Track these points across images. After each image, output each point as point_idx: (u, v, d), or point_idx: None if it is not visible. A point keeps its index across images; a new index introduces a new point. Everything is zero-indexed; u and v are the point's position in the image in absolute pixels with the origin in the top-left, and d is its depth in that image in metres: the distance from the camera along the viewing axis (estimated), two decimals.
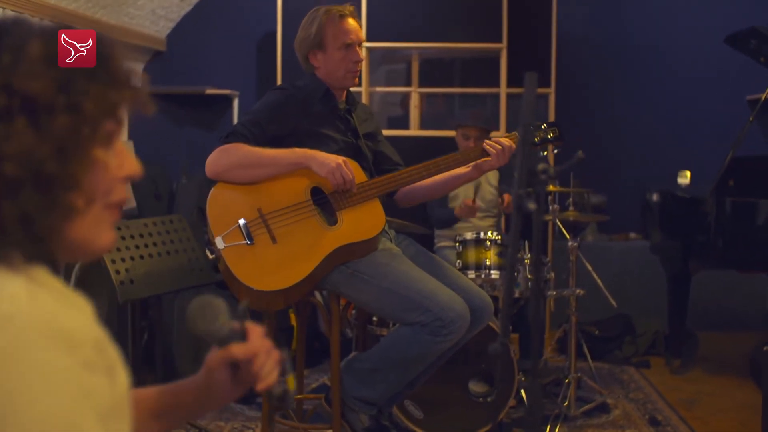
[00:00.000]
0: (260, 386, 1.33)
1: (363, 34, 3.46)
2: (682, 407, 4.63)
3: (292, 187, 3.22)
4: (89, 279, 4.10)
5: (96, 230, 1.12)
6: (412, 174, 3.40)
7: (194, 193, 5.56)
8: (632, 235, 6.39)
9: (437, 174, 3.44)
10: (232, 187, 3.19)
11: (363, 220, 3.24)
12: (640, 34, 6.47)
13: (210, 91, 6.12)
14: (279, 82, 5.69)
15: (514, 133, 3.47)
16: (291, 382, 1.39)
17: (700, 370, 5.37)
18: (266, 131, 3.23)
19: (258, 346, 1.33)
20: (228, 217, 3.12)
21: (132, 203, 5.41)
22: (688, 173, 5.71)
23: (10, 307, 0.93)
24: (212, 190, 3.19)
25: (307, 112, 3.33)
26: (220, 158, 3.17)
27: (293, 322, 3.99)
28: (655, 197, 5.48)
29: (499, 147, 3.30)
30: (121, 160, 1.15)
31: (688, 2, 6.47)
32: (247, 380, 1.35)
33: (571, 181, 4.74)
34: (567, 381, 4.39)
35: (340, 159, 3.16)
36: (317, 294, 3.79)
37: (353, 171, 3.19)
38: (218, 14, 6.48)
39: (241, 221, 3.11)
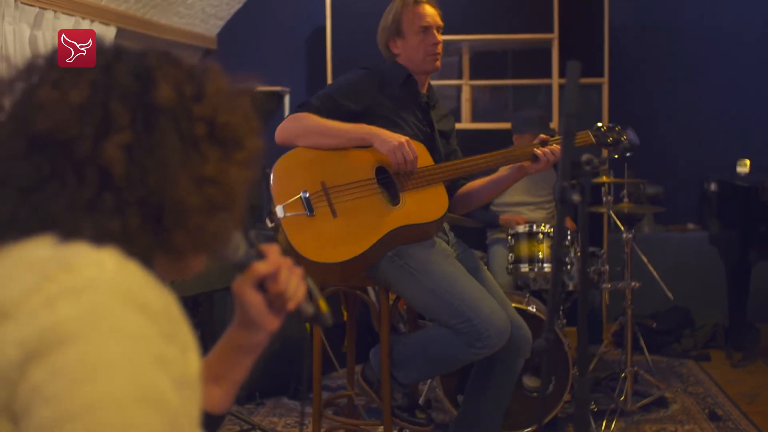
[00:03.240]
0: (291, 304, 1.34)
1: (440, 19, 3.43)
2: (744, 401, 4.53)
3: (358, 163, 3.22)
4: None
5: (196, 269, 1.22)
6: (477, 162, 3.36)
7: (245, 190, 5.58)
8: (690, 225, 6.26)
9: (499, 166, 3.44)
10: (298, 159, 3.21)
11: (426, 203, 3.23)
12: (695, 20, 6.34)
13: (260, 88, 6.13)
14: (329, 78, 5.68)
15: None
16: (323, 305, 1.40)
17: (761, 362, 5.25)
18: (339, 106, 3.25)
19: (279, 262, 1.34)
20: (291, 187, 3.14)
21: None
22: (748, 162, 5.59)
23: (96, 272, 0.96)
24: (278, 161, 3.21)
25: (385, 93, 3.34)
26: (289, 125, 3.23)
27: (345, 318, 3.99)
28: (713, 187, 5.38)
29: (549, 152, 3.26)
30: None
31: None
32: (278, 302, 1.34)
33: (625, 172, 4.66)
34: (623, 375, 4.32)
35: (404, 138, 3.15)
36: (369, 290, 3.78)
37: (416, 152, 3.16)
38: (268, 11, 6.49)
39: (303, 193, 3.13)
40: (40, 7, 4.13)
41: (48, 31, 4.23)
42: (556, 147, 3.28)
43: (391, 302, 3.32)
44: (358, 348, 3.85)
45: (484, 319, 3.05)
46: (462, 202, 3.56)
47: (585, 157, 1.44)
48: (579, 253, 4.25)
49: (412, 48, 3.38)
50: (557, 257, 1.44)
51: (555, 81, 5.78)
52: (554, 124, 5.61)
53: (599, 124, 3.31)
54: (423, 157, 3.26)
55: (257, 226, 4.00)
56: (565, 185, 1.42)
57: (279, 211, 3.09)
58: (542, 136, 3.39)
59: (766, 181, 4.96)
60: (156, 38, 5.55)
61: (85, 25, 4.55)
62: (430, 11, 3.40)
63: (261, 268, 1.31)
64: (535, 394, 4.02)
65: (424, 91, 3.46)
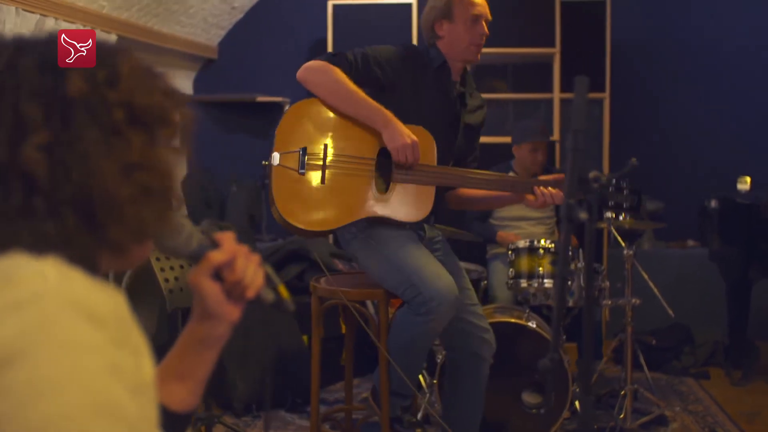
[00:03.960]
0: (250, 292, 1.30)
1: (489, 12, 3.43)
2: (744, 420, 4.49)
3: (365, 139, 3.23)
4: (139, 287, 4.10)
5: (140, 258, 1.16)
6: (473, 179, 3.38)
7: (244, 200, 5.55)
8: (690, 242, 6.23)
9: (489, 189, 3.44)
10: (311, 113, 3.22)
11: (411, 201, 3.24)
12: (697, 38, 6.33)
13: (261, 98, 6.11)
14: None
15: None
16: (284, 292, 1.36)
17: (761, 381, 5.20)
18: (370, 70, 3.23)
19: (234, 249, 1.30)
20: (294, 138, 3.18)
21: (183, 211, 5.43)
22: (748, 179, 5.56)
23: (39, 284, 0.93)
24: (293, 106, 3.23)
25: (417, 77, 3.32)
26: (317, 69, 3.19)
27: (343, 331, 3.96)
28: (713, 204, 5.35)
29: (549, 196, 3.27)
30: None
31: (745, 4, 6.30)
32: (236, 290, 1.30)
33: (625, 187, 4.62)
34: (623, 393, 4.28)
35: (412, 139, 3.14)
36: (368, 303, 3.76)
37: (419, 155, 3.17)
38: (269, 22, 6.48)
39: (303, 148, 3.16)
40: (41, 14, 4.11)
41: None
42: (556, 192, 3.26)
43: (390, 315, 3.30)
44: (356, 361, 3.82)
45: (427, 282, 3.08)
46: (455, 200, 3.59)
47: (592, 174, 1.41)
48: (581, 270, 4.24)
49: (459, 34, 3.36)
50: (562, 276, 1.41)
51: (556, 95, 5.77)
52: (554, 138, 5.59)
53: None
54: (428, 155, 3.25)
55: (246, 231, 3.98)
56: (571, 203, 1.39)
57: (275, 157, 3.13)
58: (543, 177, 3.36)
59: (766, 198, 4.94)
60: (157, 47, 5.53)
61: None
62: (482, 2, 3.40)
63: (216, 257, 1.28)
64: (534, 410, 3.98)
65: (457, 79, 3.43)
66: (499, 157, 5.17)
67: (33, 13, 4.05)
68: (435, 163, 3.28)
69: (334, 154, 3.20)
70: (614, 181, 3.02)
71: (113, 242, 1.05)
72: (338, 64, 3.19)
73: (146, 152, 1.07)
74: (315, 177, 3.17)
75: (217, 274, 1.29)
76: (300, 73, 3.21)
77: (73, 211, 1.01)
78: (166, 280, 3.60)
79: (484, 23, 3.38)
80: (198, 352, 1.35)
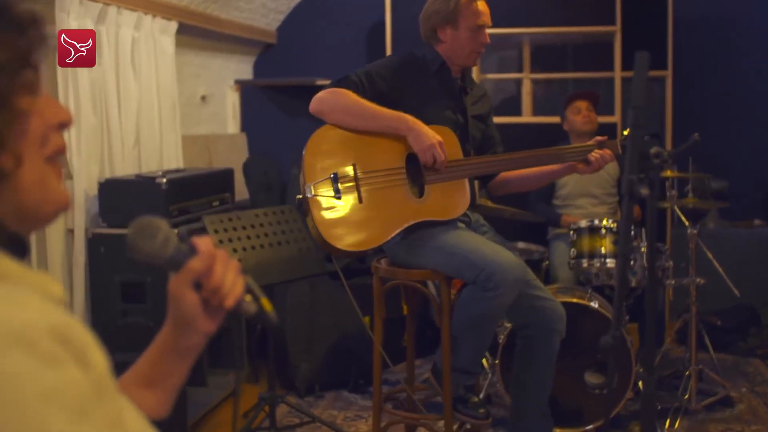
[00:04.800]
0: (228, 301, 1.22)
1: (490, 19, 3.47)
2: None
3: (390, 150, 3.27)
4: None
5: (41, 188, 1.02)
6: (505, 162, 3.45)
7: None
8: (756, 221, 6.11)
9: (531, 167, 3.49)
10: (332, 138, 3.26)
11: (448, 199, 3.29)
12: (762, 12, 6.18)
13: (320, 82, 6.13)
14: None
15: (614, 141, 3.39)
16: (267, 304, 1.27)
17: None
18: (375, 86, 3.29)
19: (212, 254, 1.22)
20: (322, 167, 3.20)
21: (244, 194, 5.49)
22: None
23: None
24: (312, 136, 3.25)
25: (420, 81, 3.38)
26: (327, 98, 3.26)
27: (405, 312, 3.98)
28: None
29: (599, 157, 3.29)
30: (49, 108, 1.05)
31: None
32: (214, 299, 1.22)
33: (690, 166, 4.57)
34: (687, 373, 4.24)
35: (437, 139, 3.20)
36: (429, 284, 3.77)
37: (446, 152, 3.22)
38: (327, 5, 6.50)
39: (333, 174, 3.19)
40: (103, 3, 4.18)
41: (111, 27, 4.29)
42: (607, 152, 3.29)
43: (452, 296, 3.31)
44: (418, 342, 3.84)
45: (488, 260, 3.11)
46: (498, 186, 3.63)
47: (654, 149, 1.40)
48: (643, 249, 4.20)
49: (462, 41, 3.41)
50: (623, 253, 1.41)
51: (617, 74, 5.69)
52: (616, 118, 5.53)
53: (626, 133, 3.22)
54: (452, 150, 3.29)
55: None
56: (632, 178, 1.38)
57: (308, 189, 3.16)
58: (597, 138, 3.40)
59: None
60: (217, 33, 5.59)
61: (147, 20, 4.60)
62: (486, 11, 3.44)
63: (196, 265, 1.21)
64: (597, 391, 3.96)
65: (457, 75, 3.49)
66: (558, 138, 5.14)
67: (96, 2, 4.12)
68: (461, 157, 3.33)
69: (364, 172, 3.23)
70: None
71: None
72: (346, 86, 3.25)
73: None
74: (351, 198, 3.20)
75: (197, 283, 1.23)
76: (312, 107, 3.27)
77: None
78: None
79: (486, 32, 3.42)
80: (171, 360, 1.29)
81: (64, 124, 1.06)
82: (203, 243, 1.23)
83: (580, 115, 5.00)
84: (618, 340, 1.44)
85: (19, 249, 1.02)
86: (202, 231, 3.67)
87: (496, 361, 4.06)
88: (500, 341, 4.05)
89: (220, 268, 1.22)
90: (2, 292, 0.92)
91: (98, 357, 0.95)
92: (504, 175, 3.58)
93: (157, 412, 1.29)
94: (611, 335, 1.42)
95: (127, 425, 1.01)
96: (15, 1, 0.99)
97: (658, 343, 4.80)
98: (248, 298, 1.26)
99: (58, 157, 1.05)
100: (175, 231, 1.23)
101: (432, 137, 3.19)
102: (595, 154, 3.29)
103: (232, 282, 1.22)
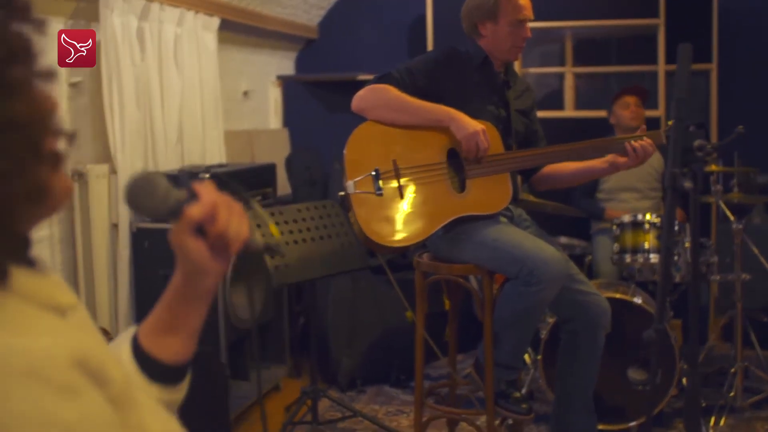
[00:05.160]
0: (235, 245, 1.21)
1: (532, 12, 3.45)
2: None
3: (431, 145, 3.29)
4: (245, 264, 4.20)
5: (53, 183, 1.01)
6: (546, 155, 3.44)
7: None
8: None
9: (574, 160, 3.46)
10: (373, 134, 3.28)
11: (490, 193, 3.29)
12: None
13: (362, 77, 6.14)
14: None
15: (657, 131, 3.35)
16: (274, 231, 1.28)
17: None
18: (417, 82, 3.30)
19: (214, 200, 1.20)
20: (363, 163, 3.22)
21: (287, 189, 5.52)
22: None
23: None
24: (353, 133, 3.27)
25: (462, 76, 3.38)
26: (368, 95, 3.29)
27: (447, 307, 3.98)
28: None
29: (639, 148, 3.24)
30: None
31: None
32: (220, 243, 1.21)
33: (735, 161, 4.51)
34: (733, 370, 4.19)
35: (480, 127, 3.21)
36: (472, 279, 3.76)
37: (490, 142, 3.23)
38: (368, 0, 6.50)
39: (374, 171, 3.20)
40: (146, 0, 4.22)
41: (154, 23, 4.33)
42: (647, 142, 3.25)
43: (495, 291, 3.30)
44: (460, 337, 3.83)
45: (530, 255, 3.10)
46: (541, 182, 3.62)
47: (697, 142, 1.39)
48: (688, 244, 4.15)
49: (503, 36, 3.39)
50: (666, 246, 1.40)
51: (661, 67, 5.62)
52: (660, 112, 5.47)
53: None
54: (494, 144, 3.29)
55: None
56: (675, 172, 1.37)
57: (350, 186, 3.18)
58: (643, 127, 3.36)
59: None
60: (259, 29, 5.62)
61: (189, 16, 4.63)
62: (528, 5, 3.42)
63: (195, 212, 1.19)
64: (640, 387, 3.93)
65: (500, 69, 3.47)
66: (602, 132, 5.10)
67: None
68: (502, 151, 3.32)
69: (406, 167, 3.24)
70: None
71: None
72: (387, 83, 3.28)
73: None
74: (393, 194, 3.21)
75: (200, 229, 1.21)
76: (354, 105, 3.30)
77: None
78: (272, 257, 3.67)
79: (527, 26, 3.40)
80: (188, 305, 1.29)
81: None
82: (204, 189, 1.21)
83: (628, 110, 4.96)
84: (661, 334, 1.42)
85: (25, 250, 1.02)
86: None
87: (539, 357, 4.04)
88: (543, 336, 4.03)
89: (224, 213, 1.20)
90: (15, 314, 0.92)
91: (116, 372, 0.97)
92: (546, 170, 3.57)
93: (182, 355, 1.30)
94: (654, 329, 1.41)
95: (153, 429, 1.04)
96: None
97: (702, 339, 4.75)
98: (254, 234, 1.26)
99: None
100: (170, 184, 1.21)
101: (475, 125, 3.20)
102: (636, 143, 3.24)
103: (236, 226, 1.22)
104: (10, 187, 0.91)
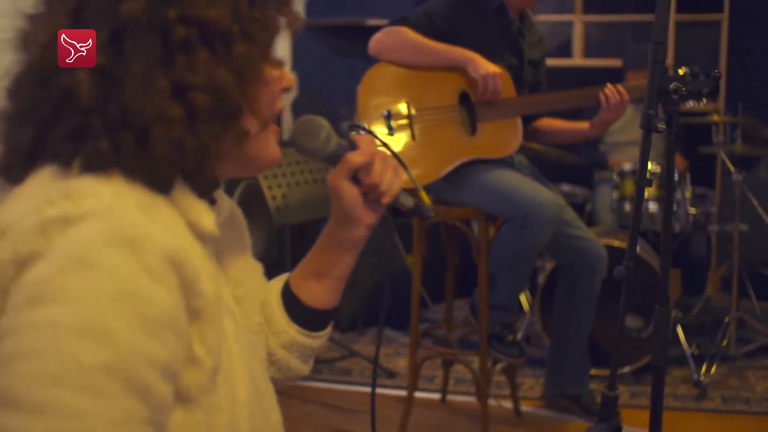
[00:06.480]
0: (386, 198, 1.28)
1: None
2: None
3: (443, 87, 3.30)
4: (247, 205, 4.25)
5: (264, 146, 1.16)
6: (555, 101, 3.45)
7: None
8: None
9: (575, 105, 3.53)
10: (385, 76, 3.31)
11: (500, 137, 3.31)
12: None
13: (372, 21, 6.13)
14: None
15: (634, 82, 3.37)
16: (424, 196, 1.36)
17: None
18: (434, 25, 3.32)
19: (372, 152, 1.27)
20: (375, 104, 3.25)
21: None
22: None
23: (92, 204, 0.96)
24: (367, 74, 3.29)
25: (477, 22, 3.38)
26: (386, 37, 3.30)
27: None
28: None
29: (618, 96, 3.23)
30: (279, 72, 1.17)
31: None
32: (372, 194, 1.28)
33: (739, 111, 4.49)
34: (727, 320, 4.23)
35: (498, 69, 3.22)
36: (473, 224, 3.81)
37: (504, 83, 3.24)
38: None
39: (386, 111, 3.23)
40: None
41: None
42: (622, 88, 3.24)
43: (491, 235, 3.34)
44: (461, 283, 3.88)
45: (526, 198, 3.16)
46: (534, 133, 3.64)
47: (673, 85, 1.42)
48: (688, 194, 4.18)
49: None
50: (639, 185, 1.43)
51: (671, 17, 5.59)
52: (669, 62, 5.44)
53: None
54: (507, 89, 3.31)
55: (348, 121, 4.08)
56: (650, 113, 1.40)
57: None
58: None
59: None
60: None
61: None
62: None
63: (354, 158, 1.25)
64: (634, 334, 3.99)
65: (516, 17, 3.47)
66: (610, 80, 5.08)
67: None
68: (514, 95, 3.34)
69: (417, 109, 3.26)
70: (689, 69, 2.92)
71: (158, 164, 1.02)
72: (404, 25, 3.28)
73: (205, 71, 1.03)
74: (404, 136, 3.24)
75: (355, 177, 1.28)
76: (371, 47, 3.31)
77: (126, 131, 1.01)
78: (274, 198, 3.72)
79: None
80: (336, 252, 1.36)
81: (287, 89, 1.19)
82: (364, 141, 1.29)
83: None
84: (630, 270, 1.47)
85: (206, 189, 1.14)
86: None
87: (535, 301, 4.10)
88: (540, 282, 4.08)
89: (379, 165, 1.27)
90: (152, 204, 1.01)
91: (209, 288, 1.03)
92: (545, 124, 3.60)
93: (325, 301, 1.38)
94: (624, 266, 1.46)
95: (233, 353, 1.10)
96: None
97: (699, 289, 4.80)
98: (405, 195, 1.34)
99: (276, 118, 1.19)
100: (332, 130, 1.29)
101: (493, 67, 3.22)
102: (608, 91, 3.24)
103: (390, 179, 1.28)
104: (230, 101, 1.05)
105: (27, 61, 1.06)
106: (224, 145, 1.07)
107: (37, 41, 1.05)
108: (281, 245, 4.75)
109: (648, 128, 1.39)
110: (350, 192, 1.27)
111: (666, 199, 1.43)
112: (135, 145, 1.00)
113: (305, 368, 1.41)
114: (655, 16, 1.40)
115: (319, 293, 1.37)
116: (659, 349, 1.48)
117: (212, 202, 1.19)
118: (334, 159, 1.27)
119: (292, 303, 1.37)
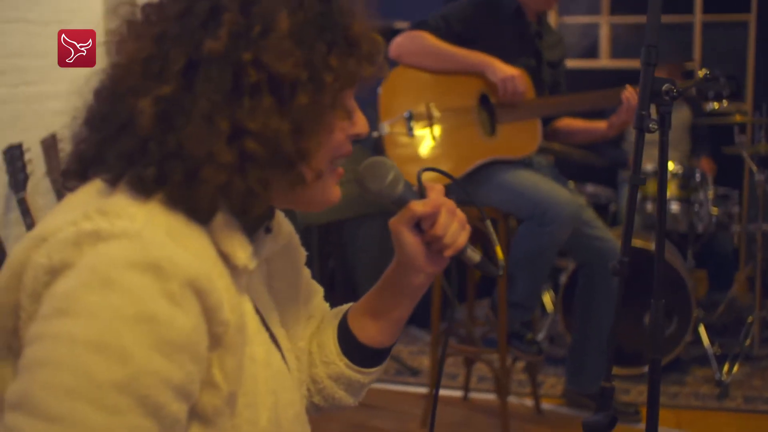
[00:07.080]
0: (449, 251, 1.25)
1: None
2: None
3: (463, 90, 3.36)
4: None
5: (321, 189, 1.15)
6: (574, 102, 3.50)
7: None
8: None
9: (594, 106, 3.57)
10: (407, 78, 3.37)
11: (519, 138, 3.36)
12: None
13: (398, 24, 6.18)
14: None
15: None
16: (499, 253, 1.32)
17: None
18: (452, 28, 3.37)
19: (439, 203, 1.23)
20: (397, 105, 3.32)
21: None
22: None
23: (126, 223, 0.98)
24: (389, 75, 3.35)
25: (493, 23, 3.44)
26: (405, 42, 3.37)
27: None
28: None
29: (636, 99, 3.24)
30: (353, 117, 1.16)
31: None
32: (435, 246, 1.25)
33: (764, 111, 4.49)
34: (750, 320, 4.24)
35: (517, 71, 3.27)
36: (488, 223, 3.85)
37: (524, 86, 3.28)
38: None
39: (407, 113, 3.29)
40: None
41: None
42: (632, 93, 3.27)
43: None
44: (485, 282, 3.92)
45: (545, 197, 3.20)
46: (554, 133, 3.66)
47: (665, 86, 1.46)
48: (711, 194, 4.20)
49: None
50: (634, 183, 1.49)
51: (697, 18, 5.58)
52: (694, 64, 5.45)
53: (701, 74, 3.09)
54: (527, 90, 3.34)
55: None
56: (643, 114, 1.45)
57: (383, 127, 3.28)
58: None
59: None
60: None
61: None
62: None
63: (417, 208, 1.23)
64: None
65: (533, 19, 3.50)
66: (638, 81, 5.09)
67: None
68: (534, 96, 3.38)
69: (438, 111, 3.33)
70: (708, 72, 2.94)
71: (200, 201, 1.03)
72: (424, 29, 3.34)
73: (262, 118, 1.03)
74: (425, 136, 3.31)
75: (419, 226, 1.25)
76: (392, 51, 3.35)
77: (177, 163, 1.02)
78: None
79: None
80: (394, 295, 1.33)
81: (358, 136, 1.18)
82: (434, 189, 1.26)
83: (674, 77, 4.92)
84: (624, 266, 1.52)
85: (256, 222, 1.15)
86: None
87: (558, 301, 4.13)
88: (563, 281, 4.12)
89: (445, 218, 1.23)
90: (185, 232, 1.03)
91: (231, 318, 1.03)
92: (564, 124, 3.64)
93: (380, 340, 1.35)
94: (618, 261, 1.51)
95: (258, 379, 1.11)
96: (358, 27, 1.11)
97: (723, 288, 4.80)
98: (472, 249, 1.29)
99: (339, 160, 1.17)
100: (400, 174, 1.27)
101: (512, 70, 3.26)
102: (627, 93, 3.27)
103: (454, 232, 1.25)
104: (282, 151, 1.04)
105: (110, 75, 1.09)
106: (274, 190, 1.08)
107: (120, 61, 1.08)
108: (307, 245, 4.79)
109: (641, 128, 1.44)
110: (410, 240, 1.25)
111: (658, 199, 1.48)
112: (182, 179, 1.02)
113: (351, 400, 1.40)
114: (647, 20, 1.45)
115: (374, 333, 1.35)
116: (655, 343, 1.52)
117: (268, 230, 1.20)
118: (400, 203, 1.24)
119: (346, 336, 1.36)
